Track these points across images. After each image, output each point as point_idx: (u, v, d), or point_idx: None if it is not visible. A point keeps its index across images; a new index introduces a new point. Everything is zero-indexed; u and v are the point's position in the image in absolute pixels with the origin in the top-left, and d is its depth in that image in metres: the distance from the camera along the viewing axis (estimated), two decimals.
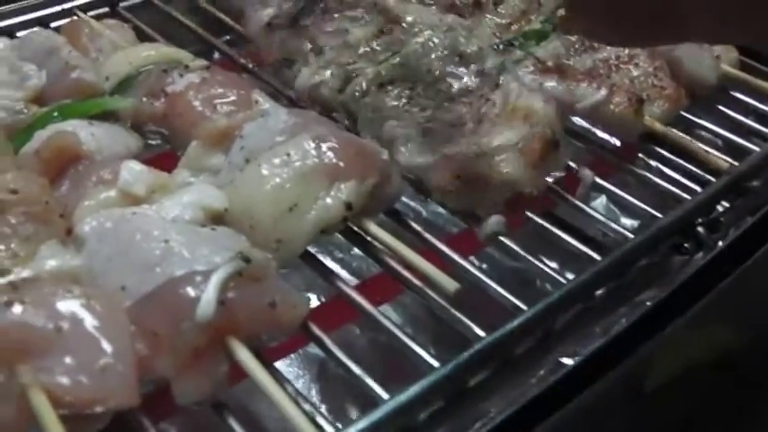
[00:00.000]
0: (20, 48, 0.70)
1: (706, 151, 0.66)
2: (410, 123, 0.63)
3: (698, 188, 0.64)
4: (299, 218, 0.54)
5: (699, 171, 0.66)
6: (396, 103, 0.64)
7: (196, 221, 0.54)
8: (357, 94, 0.66)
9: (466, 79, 0.64)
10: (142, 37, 0.80)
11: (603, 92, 0.66)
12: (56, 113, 0.62)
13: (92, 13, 0.87)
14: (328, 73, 0.69)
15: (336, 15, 0.74)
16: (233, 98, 0.63)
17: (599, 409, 0.55)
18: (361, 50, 0.70)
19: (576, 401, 0.52)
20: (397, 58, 0.67)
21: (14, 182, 0.54)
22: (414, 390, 0.48)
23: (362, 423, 0.46)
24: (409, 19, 0.72)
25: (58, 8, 0.87)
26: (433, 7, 0.77)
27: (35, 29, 0.75)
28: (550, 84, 0.68)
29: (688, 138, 0.68)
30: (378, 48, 0.70)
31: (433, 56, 0.67)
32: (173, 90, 0.64)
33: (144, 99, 0.65)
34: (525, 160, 0.58)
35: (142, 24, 0.84)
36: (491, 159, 0.58)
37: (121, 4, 0.90)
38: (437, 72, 0.66)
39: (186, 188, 0.56)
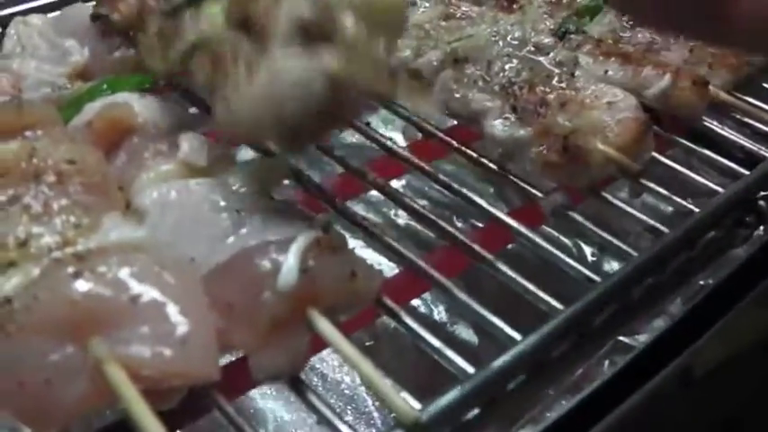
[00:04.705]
0: (57, 23, 0.67)
1: None
2: (499, 98, 0.63)
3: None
4: None
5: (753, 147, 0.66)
6: (478, 79, 0.65)
7: (261, 193, 0.52)
8: (435, 63, 0.66)
9: (541, 65, 0.65)
10: None
11: (668, 78, 0.66)
12: (105, 86, 0.59)
13: None
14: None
15: None
16: None
17: (657, 400, 0.54)
18: (429, 28, 0.69)
19: (637, 394, 0.51)
20: (471, 39, 0.68)
21: (70, 152, 0.52)
22: (500, 362, 0.46)
23: (452, 394, 0.44)
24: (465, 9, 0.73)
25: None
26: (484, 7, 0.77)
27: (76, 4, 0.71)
28: (614, 70, 0.68)
29: (757, 103, 0.68)
30: (443, 30, 0.69)
31: (501, 43, 0.68)
32: None
33: None
34: (625, 138, 0.59)
35: None
36: (593, 136, 0.59)
37: None
38: (513, 58, 0.66)
39: (249, 159, 0.54)
